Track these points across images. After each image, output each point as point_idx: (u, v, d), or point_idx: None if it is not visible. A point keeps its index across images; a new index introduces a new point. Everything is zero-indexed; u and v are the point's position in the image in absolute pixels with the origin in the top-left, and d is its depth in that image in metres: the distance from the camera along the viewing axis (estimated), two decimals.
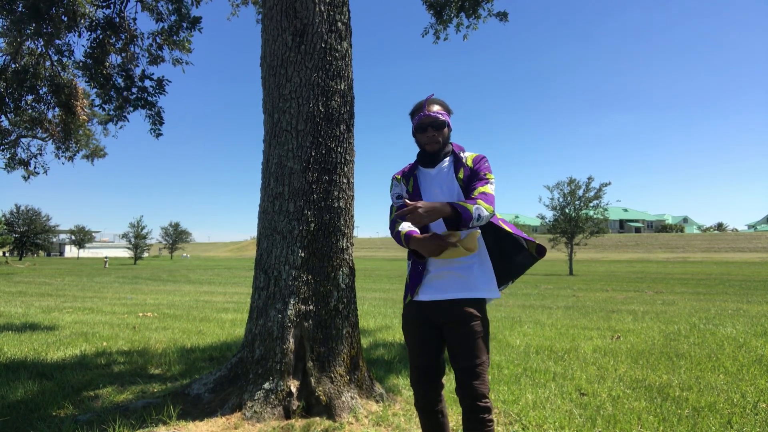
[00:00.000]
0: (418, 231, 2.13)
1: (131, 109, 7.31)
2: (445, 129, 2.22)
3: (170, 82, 7.35)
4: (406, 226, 2.15)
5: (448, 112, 2.27)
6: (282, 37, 3.40)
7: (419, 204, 1.94)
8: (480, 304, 2.10)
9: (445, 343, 2.16)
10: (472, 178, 2.17)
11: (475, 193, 2.09)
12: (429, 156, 2.24)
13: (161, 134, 7.52)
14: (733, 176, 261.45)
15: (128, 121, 7.51)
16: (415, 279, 2.16)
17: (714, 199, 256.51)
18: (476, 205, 2.01)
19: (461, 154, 2.24)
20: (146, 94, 7.25)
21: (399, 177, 2.35)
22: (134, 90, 7.24)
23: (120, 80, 7.22)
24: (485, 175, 2.17)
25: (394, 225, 2.25)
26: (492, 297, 2.15)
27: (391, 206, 2.38)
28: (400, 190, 2.32)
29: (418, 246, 2.03)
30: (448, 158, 2.26)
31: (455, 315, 2.06)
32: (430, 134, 2.19)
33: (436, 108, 2.21)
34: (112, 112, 7.33)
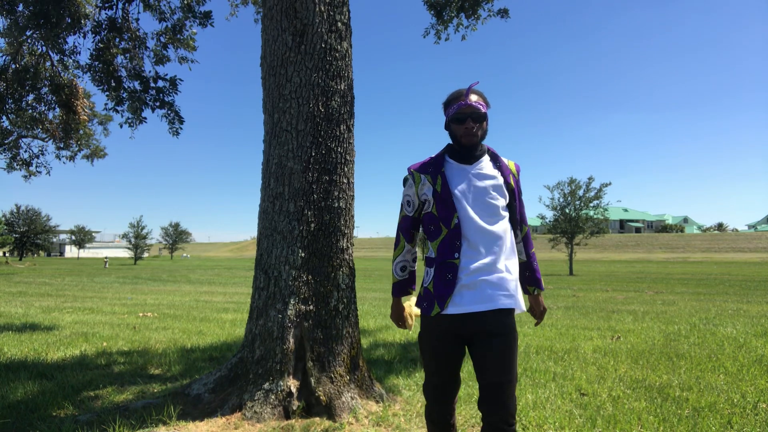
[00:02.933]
0: (399, 290, 2.19)
1: (149, 110, 7.37)
2: (485, 122, 2.04)
3: (182, 80, 7.40)
4: (398, 271, 2.17)
5: (487, 105, 2.07)
6: (282, 37, 3.40)
7: (541, 319, 2.26)
8: (512, 315, 1.99)
9: (463, 358, 2.03)
10: (516, 194, 2.09)
11: (525, 228, 2.20)
12: (465, 150, 2.03)
13: (178, 132, 7.58)
14: (733, 176, 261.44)
15: (146, 122, 7.58)
16: (443, 289, 1.94)
17: (714, 199, 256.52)
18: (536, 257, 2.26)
19: (501, 159, 2.11)
20: (162, 95, 7.29)
21: (417, 173, 2.08)
22: (151, 92, 7.28)
23: (137, 84, 7.27)
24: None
25: (396, 243, 2.18)
26: (521, 310, 2.03)
27: (401, 206, 2.16)
28: (411, 194, 2.10)
29: (393, 305, 2.25)
30: (485, 157, 2.07)
31: (492, 326, 1.91)
32: (469, 126, 1.98)
33: (476, 98, 2.01)
34: (126, 114, 7.37)
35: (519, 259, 2.13)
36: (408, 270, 2.17)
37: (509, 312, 1.95)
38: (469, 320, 1.91)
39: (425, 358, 2.06)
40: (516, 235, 2.14)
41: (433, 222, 2.02)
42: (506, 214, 2.03)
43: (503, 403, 1.84)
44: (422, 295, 2.05)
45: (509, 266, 1.99)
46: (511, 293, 1.96)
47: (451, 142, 2.11)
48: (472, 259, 1.93)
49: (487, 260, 1.93)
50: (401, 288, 2.18)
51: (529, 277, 2.20)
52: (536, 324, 2.29)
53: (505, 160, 2.11)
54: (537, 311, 2.23)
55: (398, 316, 2.26)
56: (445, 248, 1.97)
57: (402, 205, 2.16)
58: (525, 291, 2.18)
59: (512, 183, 2.07)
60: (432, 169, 2.05)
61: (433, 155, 2.12)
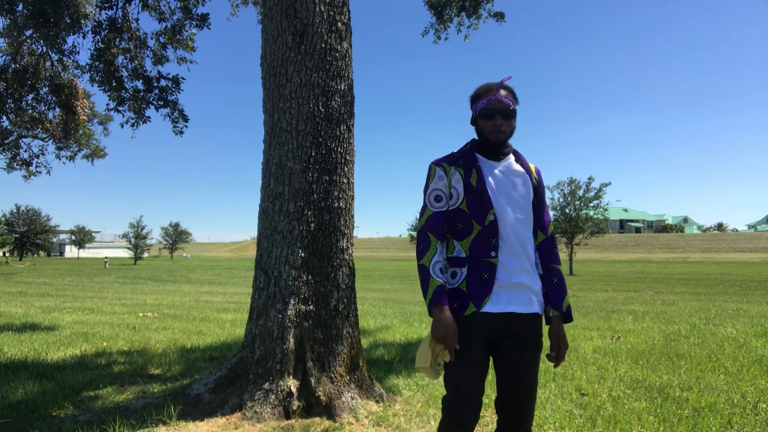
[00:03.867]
0: (445, 297, 1.80)
1: (153, 109, 7.40)
2: (513, 120, 1.94)
3: (184, 79, 7.42)
4: (438, 274, 1.83)
5: (516, 101, 1.97)
6: (282, 37, 3.40)
7: (563, 351, 1.86)
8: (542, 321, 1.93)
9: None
10: (539, 197, 1.99)
11: (550, 230, 2.01)
12: (492, 146, 1.94)
13: (182, 132, 7.60)
14: (733, 176, 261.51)
15: (150, 121, 7.60)
16: (480, 289, 1.81)
17: (714, 199, 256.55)
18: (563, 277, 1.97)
19: (524, 159, 2.03)
20: (165, 94, 7.31)
21: (447, 164, 1.94)
22: (155, 91, 7.30)
23: (140, 83, 7.29)
24: (546, 203, 2.05)
25: (426, 247, 1.87)
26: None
27: (424, 207, 1.95)
28: (442, 187, 1.93)
29: (436, 320, 1.76)
30: (511, 155, 1.99)
31: (527, 330, 1.83)
32: (498, 122, 1.89)
33: (505, 93, 1.92)
34: (127, 114, 7.39)
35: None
36: (445, 273, 1.89)
37: (540, 317, 1.90)
38: (503, 321, 1.81)
39: (456, 365, 1.81)
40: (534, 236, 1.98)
41: (462, 219, 1.89)
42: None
43: (529, 411, 1.82)
44: (449, 298, 1.85)
45: (538, 268, 1.94)
46: (542, 298, 1.90)
47: (476, 137, 2.01)
48: (510, 257, 1.84)
49: (524, 260, 1.86)
50: (445, 293, 1.80)
51: (547, 295, 1.93)
52: (555, 365, 1.89)
53: (527, 162, 2.05)
54: (552, 341, 1.87)
55: (451, 331, 1.74)
56: (479, 246, 1.85)
57: (427, 203, 1.94)
58: None
59: (534, 182, 1.99)
60: (463, 162, 1.93)
61: (455, 150, 2.02)
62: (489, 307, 1.80)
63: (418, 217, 1.99)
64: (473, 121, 2.01)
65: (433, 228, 1.89)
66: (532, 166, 2.04)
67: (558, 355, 1.87)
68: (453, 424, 1.82)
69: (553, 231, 2.05)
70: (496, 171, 1.92)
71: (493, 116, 1.90)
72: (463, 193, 1.89)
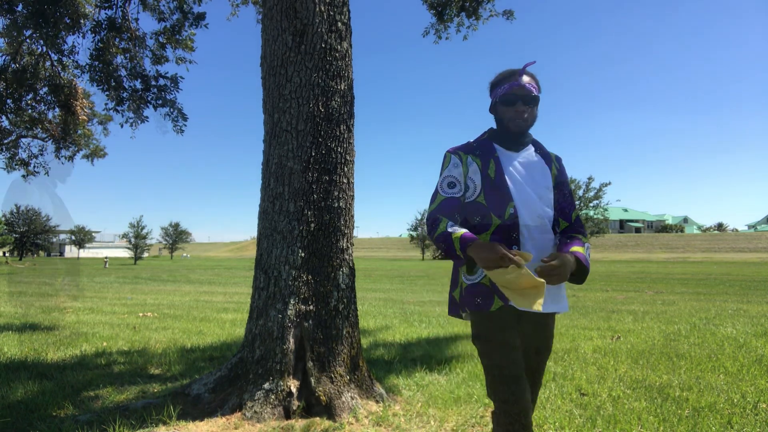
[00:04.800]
0: (473, 235, 1.70)
1: (151, 108, 7.43)
2: (536, 108, 1.86)
3: (183, 78, 7.45)
4: (458, 228, 1.73)
5: (539, 89, 1.88)
6: (282, 37, 3.40)
7: (558, 263, 1.64)
8: None
9: None
10: (560, 186, 1.91)
11: (574, 215, 1.91)
12: (512, 135, 1.86)
13: (183, 130, 7.63)
14: (733, 176, 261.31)
15: (148, 120, 7.63)
16: None
17: (714, 199, 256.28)
18: (587, 245, 1.84)
19: (545, 148, 1.96)
20: (164, 93, 7.33)
21: (464, 153, 1.87)
22: (154, 91, 7.33)
23: (138, 83, 7.31)
24: (571, 190, 1.97)
25: (437, 223, 1.78)
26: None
27: (435, 193, 1.87)
28: (457, 175, 1.85)
29: (477, 252, 1.62)
30: (531, 145, 1.92)
31: (546, 329, 1.84)
32: (520, 109, 1.81)
33: (528, 79, 1.83)
34: (126, 114, 7.41)
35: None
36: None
37: (554, 314, 1.89)
38: (526, 317, 1.79)
39: (496, 353, 1.73)
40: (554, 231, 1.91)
41: (481, 212, 1.80)
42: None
43: (533, 408, 1.82)
44: (468, 294, 1.79)
45: None
46: (563, 294, 1.87)
47: (495, 126, 1.94)
48: (531, 252, 1.76)
49: (546, 254, 1.78)
50: (471, 235, 1.70)
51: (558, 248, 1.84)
52: (540, 268, 1.66)
53: (548, 151, 1.99)
54: (552, 255, 1.71)
55: (496, 246, 1.60)
56: (499, 241, 1.74)
57: (439, 189, 1.86)
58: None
59: (555, 172, 1.92)
60: (480, 152, 1.85)
61: (471, 139, 1.95)
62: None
63: (429, 202, 1.90)
64: (492, 109, 1.92)
65: (445, 212, 1.80)
66: (553, 155, 1.97)
67: (549, 264, 1.66)
68: (517, 409, 1.66)
69: (578, 216, 1.94)
70: (516, 162, 1.84)
71: (515, 102, 1.81)
72: (480, 185, 1.81)
